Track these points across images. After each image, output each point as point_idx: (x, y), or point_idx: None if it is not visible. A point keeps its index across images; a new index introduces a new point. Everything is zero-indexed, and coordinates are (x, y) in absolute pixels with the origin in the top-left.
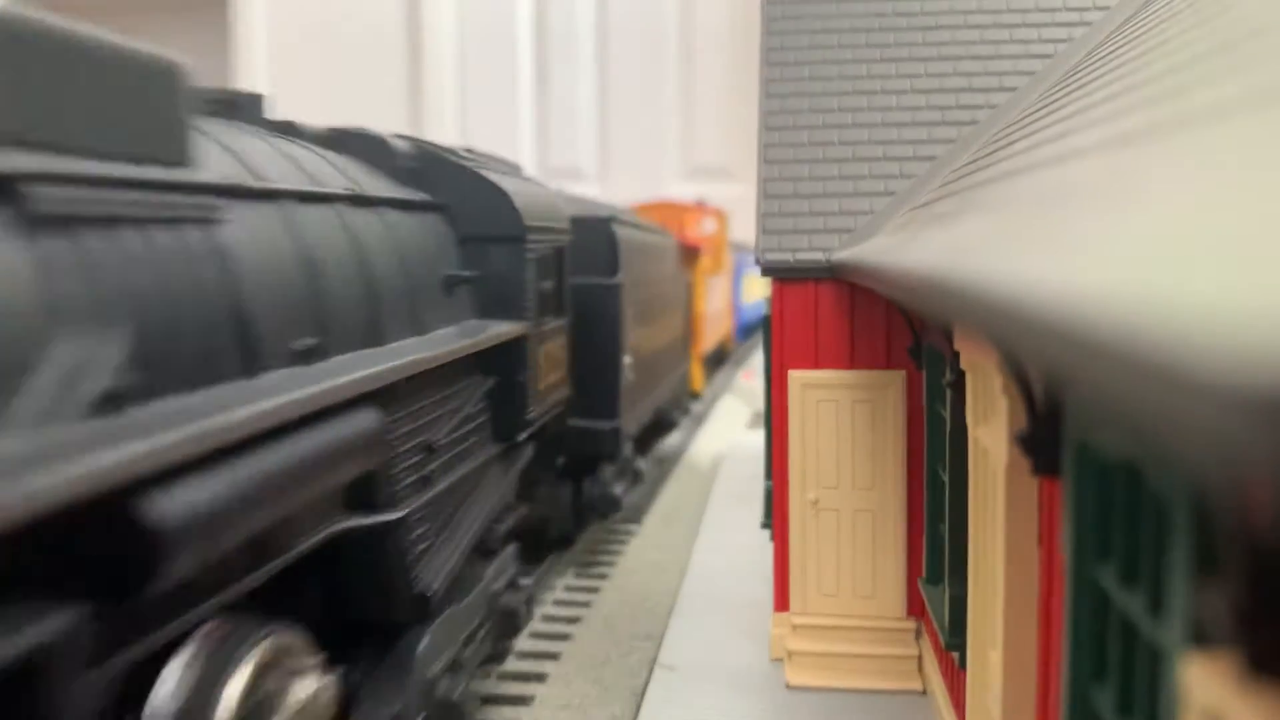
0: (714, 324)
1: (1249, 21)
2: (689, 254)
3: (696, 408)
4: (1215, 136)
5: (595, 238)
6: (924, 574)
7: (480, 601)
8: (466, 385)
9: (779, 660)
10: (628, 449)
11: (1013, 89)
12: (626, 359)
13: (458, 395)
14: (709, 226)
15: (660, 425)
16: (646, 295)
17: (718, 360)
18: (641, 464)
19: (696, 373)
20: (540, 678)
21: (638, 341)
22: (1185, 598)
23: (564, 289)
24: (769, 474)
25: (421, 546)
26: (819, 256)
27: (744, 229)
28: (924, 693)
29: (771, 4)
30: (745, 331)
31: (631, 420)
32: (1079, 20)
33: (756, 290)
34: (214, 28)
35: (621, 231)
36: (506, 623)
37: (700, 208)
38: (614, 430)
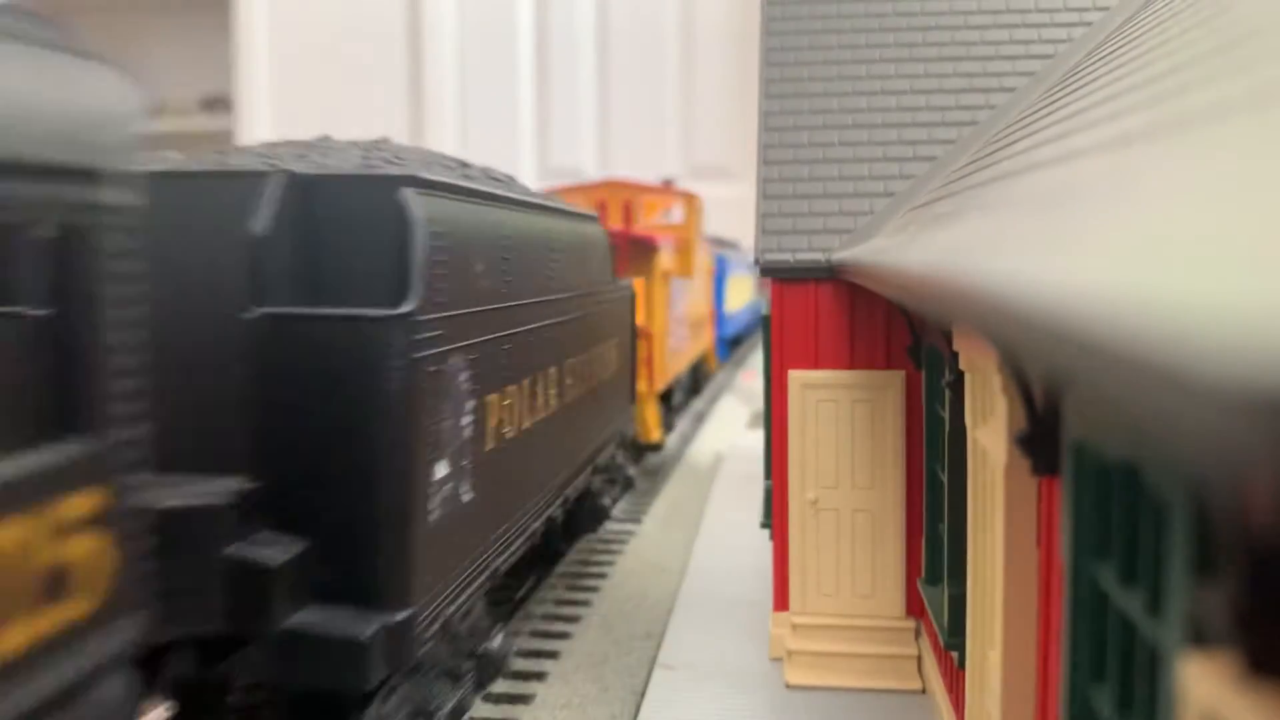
0: (684, 342)
1: (1249, 22)
2: (641, 251)
3: (665, 453)
4: (1215, 136)
5: (352, 219)
6: (923, 574)
7: None
8: None
9: (778, 659)
10: (463, 630)
11: (1012, 89)
12: (440, 469)
13: None
14: (675, 215)
15: (575, 524)
16: (528, 328)
17: (694, 387)
18: (500, 643)
19: (650, 418)
20: (540, 676)
21: (508, 416)
22: (1184, 597)
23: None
24: (769, 474)
25: None
26: (819, 257)
27: (730, 226)
28: (923, 692)
29: (771, 4)
30: (731, 345)
31: (455, 590)
32: (1079, 20)
33: (744, 294)
34: (216, 29)
35: (438, 209)
36: None
37: (665, 189)
38: (389, 633)
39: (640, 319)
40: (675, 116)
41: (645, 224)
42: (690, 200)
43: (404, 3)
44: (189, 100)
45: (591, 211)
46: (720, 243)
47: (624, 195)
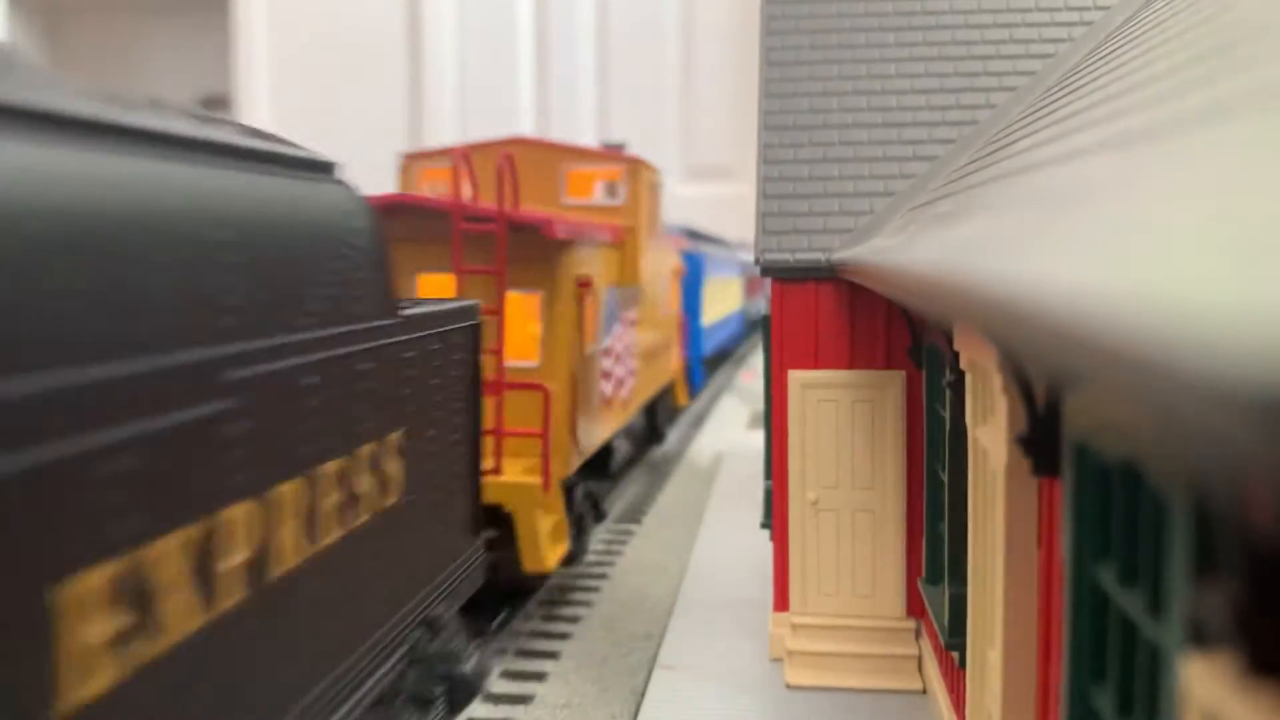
0: (627, 383)
1: (1250, 21)
2: (533, 247)
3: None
4: (1216, 136)
5: None
6: (924, 574)
7: None
8: None
9: (778, 660)
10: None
11: (1013, 89)
12: None
13: None
14: (615, 194)
15: None
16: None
17: (651, 432)
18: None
19: (542, 531)
20: (540, 676)
21: None
22: (1184, 598)
23: None
24: (769, 474)
25: None
26: (819, 257)
27: (730, 226)
28: (924, 692)
29: (771, 4)
30: (711, 365)
31: None
32: (1079, 20)
33: (730, 299)
34: (215, 29)
35: None
36: None
37: (597, 155)
38: None
39: (531, 359)
40: (675, 116)
41: (565, 204)
42: (639, 172)
43: (404, 2)
44: (188, 100)
45: (302, 153)
46: (696, 236)
47: (532, 162)
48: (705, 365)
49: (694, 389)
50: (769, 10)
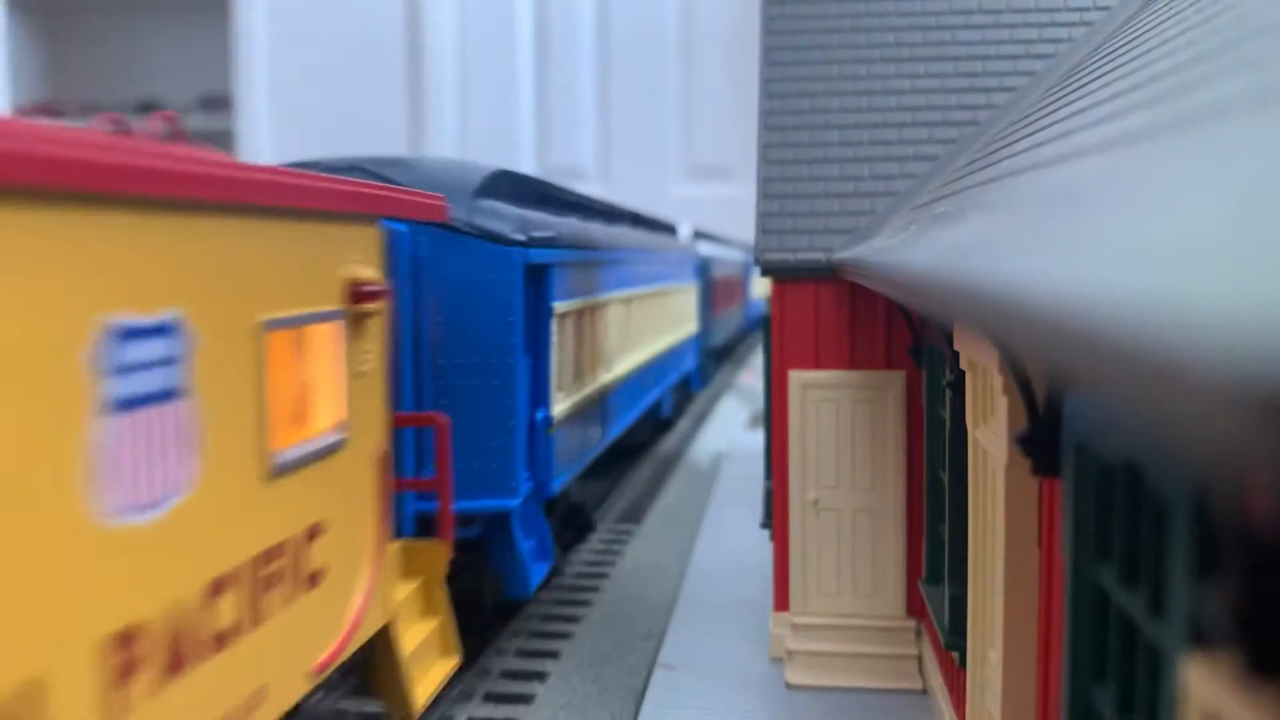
0: None
1: (1251, 21)
2: None
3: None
4: (1217, 136)
5: None
6: (924, 574)
7: None
8: None
9: (779, 659)
10: None
11: (1014, 89)
12: None
13: None
14: None
15: None
16: None
17: None
18: None
19: None
20: (540, 677)
21: None
22: (1185, 598)
23: None
24: (769, 474)
25: None
26: (819, 256)
27: (730, 226)
28: (924, 692)
29: (771, 3)
30: (579, 518)
31: None
32: (1080, 20)
33: (679, 320)
34: (215, 29)
35: None
36: None
37: None
38: None
39: None
40: (675, 116)
41: None
42: None
43: (404, 3)
44: (188, 99)
45: None
46: (547, 197)
47: None
48: (571, 517)
49: (523, 585)
50: (769, 10)
